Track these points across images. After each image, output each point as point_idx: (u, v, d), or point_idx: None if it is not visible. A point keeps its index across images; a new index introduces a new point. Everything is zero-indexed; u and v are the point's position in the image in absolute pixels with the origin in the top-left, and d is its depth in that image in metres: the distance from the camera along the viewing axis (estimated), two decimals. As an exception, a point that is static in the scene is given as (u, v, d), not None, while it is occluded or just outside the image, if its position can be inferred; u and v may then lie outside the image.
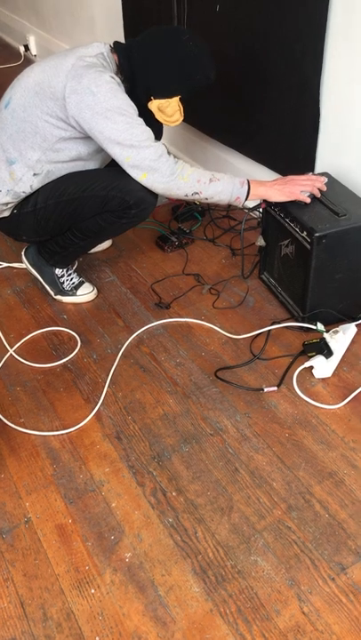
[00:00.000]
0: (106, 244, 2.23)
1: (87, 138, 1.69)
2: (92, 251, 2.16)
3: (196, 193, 1.69)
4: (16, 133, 1.69)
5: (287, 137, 2.08)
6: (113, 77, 1.62)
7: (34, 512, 1.38)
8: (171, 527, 1.34)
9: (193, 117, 2.14)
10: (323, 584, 1.22)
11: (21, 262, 2.05)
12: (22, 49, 4.10)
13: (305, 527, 1.32)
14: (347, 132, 1.87)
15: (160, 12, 2.44)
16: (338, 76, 1.82)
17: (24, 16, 4.09)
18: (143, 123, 1.64)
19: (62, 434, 1.56)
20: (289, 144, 2.08)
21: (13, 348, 1.82)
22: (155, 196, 1.73)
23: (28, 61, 4.05)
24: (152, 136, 1.65)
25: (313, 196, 1.74)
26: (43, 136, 1.67)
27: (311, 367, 1.68)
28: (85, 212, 1.74)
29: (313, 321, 1.78)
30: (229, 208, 2.37)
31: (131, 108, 1.62)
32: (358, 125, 1.83)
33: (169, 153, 1.67)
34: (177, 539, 1.31)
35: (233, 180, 1.71)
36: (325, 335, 1.70)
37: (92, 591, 1.23)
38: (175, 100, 1.74)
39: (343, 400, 1.60)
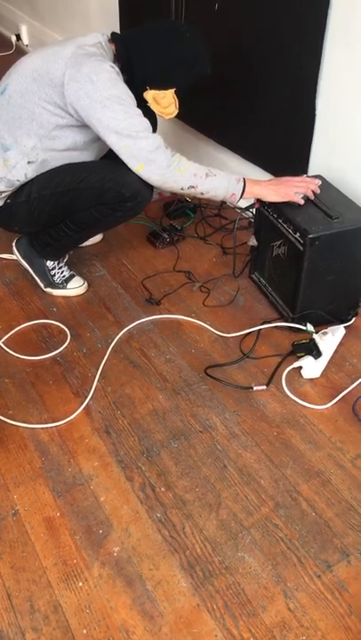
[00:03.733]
0: (97, 239, 2.22)
1: (84, 126, 1.68)
2: (83, 244, 2.15)
3: (192, 187, 1.70)
4: (12, 120, 1.68)
5: (282, 138, 2.09)
6: (112, 67, 1.62)
7: (22, 504, 1.37)
8: (159, 522, 1.34)
9: (187, 115, 2.14)
10: (309, 581, 1.24)
11: (12, 253, 2.04)
12: (14, 38, 4.06)
13: (292, 525, 1.34)
14: (341, 136, 1.89)
15: (158, 10, 2.44)
16: (335, 78, 1.83)
17: (16, 4, 4.04)
18: (141, 113, 1.64)
19: (51, 427, 1.55)
20: (283, 145, 2.09)
21: (2, 340, 1.80)
22: (150, 189, 1.73)
23: (20, 51, 4.01)
24: (150, 127, 1.65)
25: (307, 198, 1.76)
26: (39, 123, 1.66)
27: (300, 367, 1.69)
28: (80, 203, 1.74)
29: (302, 321, 1.80)
30: (222, 206, 2.38)
31: (130, 99, 1.62)
32: (353, 129, 1.85)
33: (166, 146, 1.67)
34: (165, 534, 1.32)
35: (229, 177, 1.72)
36: (315, 336, 1.72)
37: (80, 584, 1.23)
38: (171, 92, 1.74)
39: (331, 401, 1.62)
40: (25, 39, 4.00)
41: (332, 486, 1.42)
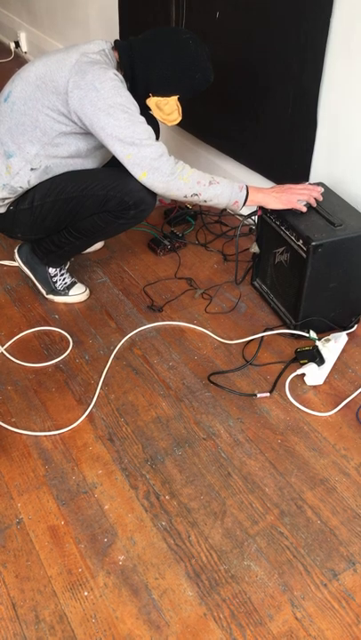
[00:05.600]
0: (98, 245, 2.22)
1: (87, 134, 1.68)
2: (84, 251, 2.15)
3: (196, 194, 1.70)
4: (15, 127, 1.67)
5: (283, 146, 2.10)
6: (116, 74, 1.62)
7: (26, 513, 1.36)
8: (164, 530, 1.33)
9: (189, 122, 2.15)
10: (315, 590, 1.23)
11: (13, 260, 2.03)
12: (13, 45, 4.06)
13: (297, 533, 1.33)
14: (342, 143, 1.90)
15: (158, 17, 2.45)
16: (336, 86, 1.84)
17: (14, 11, 4.05)
18: (145, 121, 1.64)
19: (54, 434, 1.54)
20: (285, 153, 2.10)
21: (4, 347, 1.79)
22: (154, 197, 1.73)
23: (19, 58, 4.02)
24: (153, 135, 1.65)
25: (309, 206, 1.76)
26: (42, 130, 1.66)
27: (303, 374, 1.69)
28: (84, 211, 1.73)
29: (305, 329, 1.80)
30: (222, 213, 2.38)
31: (133, 106, 1.63)
32: (354, 137, 1.85)
33: (170, 154, 1.68)
34: (170, 542, 1.31)
35: (232, 185, 1.72)
36: (317, 343, 1.72)
37: (86, 594, 1.22)
38: (174, 98, 1.75)
39: (334, 408, 1.62)
40: (24, 46, 4.01)
41: (337, 494, 1.41)
